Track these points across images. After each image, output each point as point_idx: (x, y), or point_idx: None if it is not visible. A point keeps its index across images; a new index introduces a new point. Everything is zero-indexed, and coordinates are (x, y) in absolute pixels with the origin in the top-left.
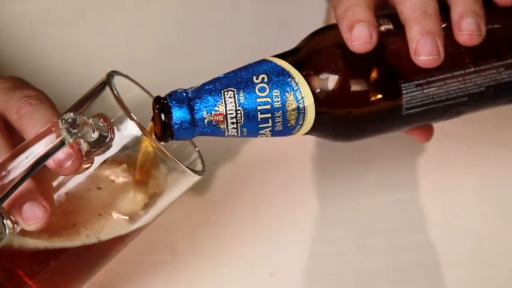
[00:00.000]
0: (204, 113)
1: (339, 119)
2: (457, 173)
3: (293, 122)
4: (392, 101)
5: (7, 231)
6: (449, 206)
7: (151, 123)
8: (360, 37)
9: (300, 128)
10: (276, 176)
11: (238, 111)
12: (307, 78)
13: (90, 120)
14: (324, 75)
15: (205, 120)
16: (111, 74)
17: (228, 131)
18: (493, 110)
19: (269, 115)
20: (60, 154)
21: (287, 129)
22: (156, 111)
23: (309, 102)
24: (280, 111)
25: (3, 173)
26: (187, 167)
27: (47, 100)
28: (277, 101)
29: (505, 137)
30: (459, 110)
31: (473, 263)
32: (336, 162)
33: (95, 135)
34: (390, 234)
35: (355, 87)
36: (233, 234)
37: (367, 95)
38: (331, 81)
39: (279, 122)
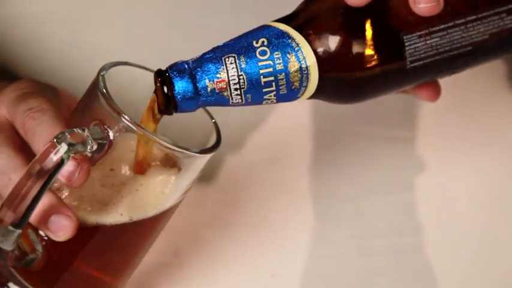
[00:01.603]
0: (207, 81)
1: (343, 77)
2: (457, 174)
3: (297, 84)
4: (396, 54)
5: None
6: (450, 207)
7: (153, 96)
8: None
9: (305, 90)
10: (277, 178)
11: (241, 77)
12: (307, 38)
13: (86, 133)
14: (324, 34)
15: (208, 89)
16: (100, 73)
17: (232, 99)
18: (494, 109)
19: (272, 78)
20: (65, 170)
21: (292, 93)
22: (158, 84)
23: (311, 61)
24: (283, 73)
25: (24, 190)
26: (194, 151)
27: (49, 110)
28: (279, 63)
29: (506, 136)
30: (464, 60)
31: (474, 263)
32: (336, 163)
33: (94, 146)
34: (390, 235)
35: (356, 42)
36: (235, 235)
37: (369, 50)
38: (332, 38)
39: (283, 84)
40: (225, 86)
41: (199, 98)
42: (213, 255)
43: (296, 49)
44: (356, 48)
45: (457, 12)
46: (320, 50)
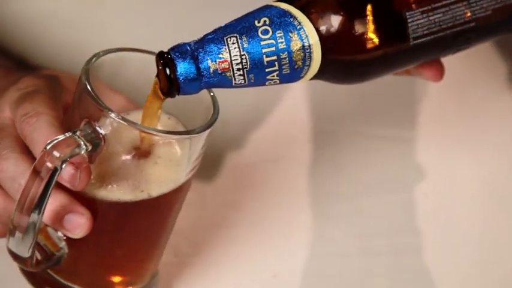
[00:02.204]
0: (209, 61)
1: (346, 55)
2: (457, 173)
3: (300, 63)
4: (399, 31)
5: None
6: (450, 207)
7: (155, 79)
8: None
9: (308, 69)
10: (277, 177)
11: (243, 56)
12: (309, 16)
13: (77, 135)
14: (326, 11)
15: (211, 69)
16: (84, 67)
17: (235, 79)
18: (494, 109)
19: (275, 57)
20: (66, 175)
21: (295, 72)
22: (160, 67)
23: (313, 40)
24: (286, 52)
25: (30, 195)
26: (191, 132)
27: (43, 113)
28: (282, 42)
29: (506, 136)
30: (467, 37)
31: (474, 264)
32: (336, 163)
33: (89, 147)
34: (391, 235)
35: (359, 19)
36: (235, 236)
37: (372, 26)
38: (334, 16)
39: (286, 64)
40: (227, 67)
41: (201, 79)
42: (213, 256)
43: (298, 27)
44: (358, 26)
45: None
46: (322, 28)
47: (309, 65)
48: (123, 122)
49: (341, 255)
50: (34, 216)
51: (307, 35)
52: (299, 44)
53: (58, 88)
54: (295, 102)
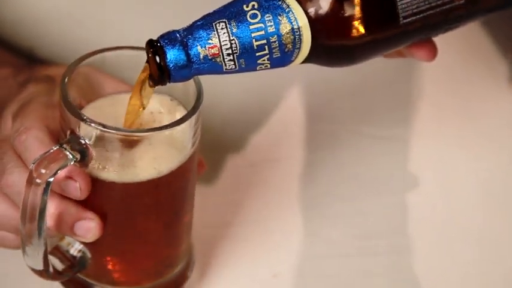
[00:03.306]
0: (199, 47)
1: (336, 38)
2: (456, 173)
3: (290, 46)
4: (388, 10)
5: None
6: (449, 207)
7: (146, 65)
8: None
9: (298, 52)
10: (277, 177)
11: (233, 41)
12: None
13: (63, 147)
14: None
15: (201, 56)
16: (62, 83)
17: (225, 65)
18: (493, 109)
19: (264, 41)
20: (67, 187)
21: (285, 56)
22: (150, 55)
23: (303, 22)
24: (275, 36)
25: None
26: (173, 124)
27: (32, 128)
28: (271, 26)
29: (505, 135)
30: (457, 15)
31: (474, 263)
32: (335, 163)
33: (77, 156)
34: (390, 235)
35: (347, 0)
36: (236, 236)
37: (361, 7)
38: None
39: (276, 47)
40: (217, 52)
41: (192, 66)
42: (214, 256)
43: (287, 10)
44: (347, 6)
45: None
46: (311, 9)
47: (299, 48)
48: (103, 129)
49: (340, 255)
50: (36, 230)
51: (296, 17)
52: (288, 27)
53: (54, 87)
54: (293, 102)
